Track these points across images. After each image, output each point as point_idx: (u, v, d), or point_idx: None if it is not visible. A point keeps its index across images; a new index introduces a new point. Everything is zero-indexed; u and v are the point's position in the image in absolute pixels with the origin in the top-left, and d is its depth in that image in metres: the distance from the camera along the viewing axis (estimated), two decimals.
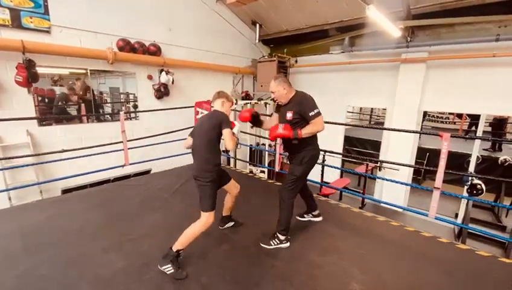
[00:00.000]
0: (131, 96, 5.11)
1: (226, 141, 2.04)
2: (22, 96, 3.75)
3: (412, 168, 5.73)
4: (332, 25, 5.86)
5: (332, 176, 6.12)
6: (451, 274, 2.07)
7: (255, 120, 2.63)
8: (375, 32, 4.99)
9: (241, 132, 5.75)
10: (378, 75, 5.77)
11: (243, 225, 2.69)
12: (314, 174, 4.52)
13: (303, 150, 2.36)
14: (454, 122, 11.20)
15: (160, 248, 2.10)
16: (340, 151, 6.58)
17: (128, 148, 3.98)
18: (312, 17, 5.94)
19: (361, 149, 8.87)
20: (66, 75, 4.23)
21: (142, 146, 4.38)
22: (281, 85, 2.32)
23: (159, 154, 4.57)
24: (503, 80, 4.36)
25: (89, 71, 4.38)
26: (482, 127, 5.08)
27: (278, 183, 3.87)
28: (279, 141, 3.47)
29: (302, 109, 2.26)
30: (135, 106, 5.15)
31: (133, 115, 5.18)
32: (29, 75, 3.55)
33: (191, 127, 3.19)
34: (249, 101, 6.57)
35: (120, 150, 3.91)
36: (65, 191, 4.04)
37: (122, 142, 3.89)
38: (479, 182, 4.17)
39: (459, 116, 10.81)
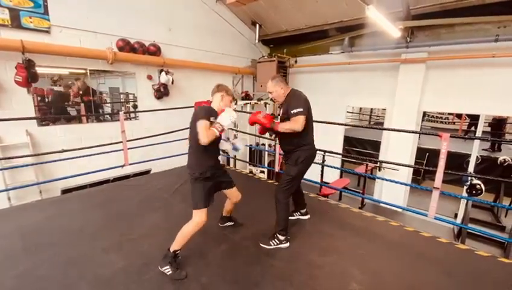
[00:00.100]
0: (131, 97, 5.11)
1: (199, 134, 1.88)
2: (22, 96, 3.75)
3: (412, 168, 5.74)
4: (332, 25, 5.87)
5: (332, 176, 6.13)
6: (450, 274, 2.07)
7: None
8: (374, 32, 4.99)
9: (241, 131, 5.77)
10: (377, 75, 5.78)
11: (242, 225, 2.69)
12: (313, 174, 4.54)
13: (298, 150, 2.36)
14: (454, 123, 11.22)
15: (160, 248, 2.10)
16: (340, 151, 6.58)
17: (128, 149, 3.97)
18: (312, 17, 5.94)
19: (361, 149, 8.88)
20: (66, 75, 4.22)
21: (142, 146, 4.38)
22: (278, 85, 2.33)
23: (159, 154, 4.57)
24: (502, 81, 4.37)
25: (88, 71, 4.37)
26: (481, 127, 5.09)
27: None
28: (279, 142, 3.47)
29: (288, 106, 2.27)
30: (135, 106, 5.15)
31: (132, 115, 5.18)
32: (28, 75, 3.54)
33: None
34: (248, 101, 6.57)
35: (120, 150, 3.91)
36: (65, 191, 4.03)
37: (121, 142, 3.89)
38: (479, 182, 4.18)
39: (459, 116, 10.82)
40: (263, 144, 6.97)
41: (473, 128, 9.82)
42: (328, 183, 5.36)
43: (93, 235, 2.51)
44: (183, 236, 1.98)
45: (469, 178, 4.27)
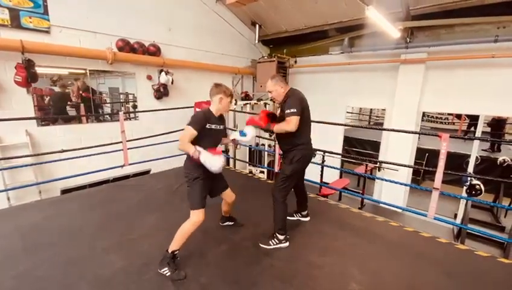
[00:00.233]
0: (130, 97, 5.11)
1: (179, 138, 1.93)
2: (21, 96, 3.75)
3: (411, 169, 5.74)
4: (331, 25, 5.87)
5: (331, 176, 6.13)
6: (450, 274, 2.07)
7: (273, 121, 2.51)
8: (374, 33, 5.00)
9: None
10: (377, 75, 5.78)
11: (243, 225, 2.69)
12: (313, 175, 4.55)
13: (294, 149, 2.36)
14: (454, 123, 11.23)
15: (160, 248, 2.10)
16: (340, 151, 6.59)
17: (128, 149, 3.97)
18: (311, 17, 5.95)
19: (361, 149, 8.89)
20: (66, 75, 4.22)
21: (142, 146, 4.38)
22: (278, 84, 2.33)
23: (159, 154, 4.57)
24: (502, 81, 4.38)
25: (88, 71, 4.37)
26: (481, 127, 5.10)
27: None
28: (277, 141, 3.48)
29: (285, 106, 2.28)
30: (134, 106, 5.15)
31: (132, 115, 5.18)
32: (28, 75, 3.54)
33: None
34: (248, 102, 6.57)
35: (119, 150, 3.91)
36: (64, 192, 4.03)
37: (121, 142, 3.89)
38: (478, 182, 4.18)
39: (458, 116, 10.83)
40: (263, 144, 6.97)
41: (472, 128, 9.84)
42: (327, 183, 5.36)
43: (93, 235, 2.51)
44: (181, 236, 1.97)
45: (469, 178, 4.28)
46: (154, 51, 5.00)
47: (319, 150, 4.14)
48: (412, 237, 2.64)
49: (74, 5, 4.04)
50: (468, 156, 5.27)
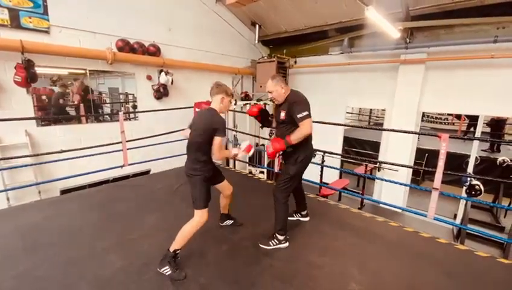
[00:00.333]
0: (130, 97, 5.11)
1: (215, 150, 2.00)
2: (21, 96, 3.74)
3: (411, 169, 5.75)
4: (331, 25, 5.88)
5: (331, 176, 6.13)
6: (450, 275, 2.07)
7: (264, 118, 2.60)
8: (374, 33, 5.00)
9: (241, 132, 5.76)
10: (377, 76, 5.79)
11: (242, 225, 2.69)
12: (313, 175, 4.55)
13: (297, 149, 2.36)
14: (453, 123, 11.24)
15: (160, 248, 2.10)
16: (340, 152, 6.60)
17: (128, 149, 3.97)
18: (311, 18, 5.95)
19: (361, 150, 8.89)
20: (65, 75, 4.22)
21: (142, 146, 4.38)
22: (279, 84, 2.32)
23: (159, 154, 4.57)
24: (501, 81, 4.38)
25: (88, 71, 4.37)
26: (480, 128, 5.11)
27: None
28: None
29: (292, 109, 2.25)
30: (134, 107, 5.15)
31: (132, 115, 5.18)
32: (28, 75, 3.54)
33: None
34: (248, 102, 6.57)
35: (119, 150, 3.91)
36: (64, 192, 4.02)
37: (121, 142, 3.89)
38: (478, 182, 4.18)
39: (458, 117, 10.84)
40: (262, 145, 6.96)
41: (472, 129, 9.85)
42: (327, 183, 5.37)
43: (92, 235, 2.51)
44: (183, 235, 1.98)
45: (468, 179, 4.28)
46: (154, 51, 5.00)
47: (319, 150, 4.14)
48: (411, 237, 2.64)
49: (74, 5, 4.04)
50: (468, 156, 5.27)
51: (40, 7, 3.73)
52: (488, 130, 8.43)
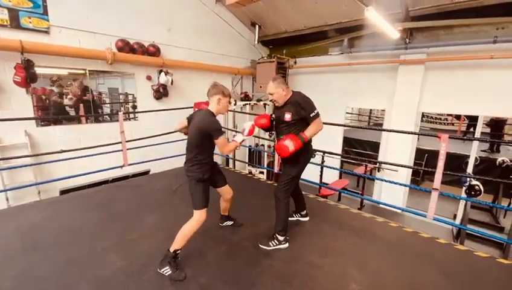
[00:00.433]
0: (130, 97, 5.11)
1: (220, 150, 2.05)
2: (21, 96, 3.74)
3: (411, 169, 5.75)
4: (331, 26, 5.88)
5: (331, 177, 6.13)
6: (449, 275, 2.07)
7: (271, 125, 2.56)
8: (374, 33, 5.01)
9: (240, 132, 5.76)
10: (377, 76, 5.79)
11: (242, 225, 2.69)
12: (313, 175, 4.55)
13: (298, 151, 2.36)
14: (453, 124, 11.25)
15: (159, 248, 2.10)
16: (339, 152, 6.60)
17: (127, 149, 3.97)
18: (311, 18, 5.95)
19: (360, 150, 8.89)
20: (65, 75, 4.22)
21: (141, 147, 4.37)
22: (280, 86, 2.31)
23: (158, 155, 4.56)
24: (501, 82, 4.39)
25: (87, 71, 4.37)
26: (480, 128, 5.11)
27: None
28: (277, 142, 3.47)
29: (301, 110, 2.26)
30: (134, 107, 5.14)
31: (132, 115, 5.17)
32: (27, 76, 3.53)
33: None
34: (248, 102, 6.58)
35: (119, 150, 3.90)
36: (63, 192, 4.02)
37: (121, 142, 3.88)
38: (477, 183, 4.18)
39: (457, 117, 10.86)
40: (262, 145, 6.97)
41: (471, 129, 9.87)
42: (327, 184, 5.37)
43: (92, 235, 2.51)
44: (183, 235, 1.98)
45: (468, 179, 4.28)
46: (154, 51, 5.00)
47: (319, 151, 4.14)
48: (411, 237, 2.64)
49: (74, 5, 4.04)
50: (468, 156, 5.27)
51: (40, 7, 3.73)
52: (487, 130, 8.44)
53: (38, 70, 3.69)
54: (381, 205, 4.81)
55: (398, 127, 4.83)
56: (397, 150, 5.48)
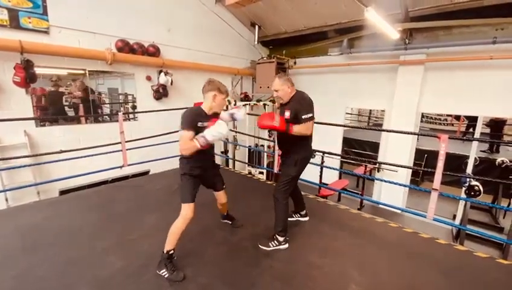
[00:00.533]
0: (130, 97, 5.11)
1: (180, 145, 1.89)
2: (20, 96, 3.74)
3: (411, 170, 5.75)
4: (331, 26, 5.89)
5: (331, 177, 6.13)
6: (449, 275, 2.07)
7: None
8: (373, 34, 5.01)
9: (240, 132, 5.77)
10: (376, 76, 5.80)
11: (242, 226, 2.68)
12: (312, 176, 4.55)
13: (298, 150, 2.37)
14: (452, 124, 11.26)
15: (159, 249, 2.09)
16: (339, 152, 6.60)
17: (127, 149, 3.97)
18: (311, 18, 5.96)
19: (360, 150, 8.90)
20: (65, 75, 4.21)
21: (141, 147, 4.37)
22: (286, 84, 2.33)
23: (158, 155, 4.56)
24: (500, 82, 4.39)
25: (87, 72, 4.37)
26: (479, 128, 5.12)
27: None
28: (277, 141, 3.48)
29: (298, 109, 2.27)
30: (134, 107, 5.14)
31: (131, 115, 5.17)
32: (27, 76, 3.54)
33: None
34: (247, 102, 6.58)
35: (118, 150, 3.90)
36: (63, 192, 4.02)
37: (120, 143, 3.88)
38: (477, 183, 4.19)
39: (457, 118, 10.87)
40: (262, 145, 6.97)
41: (471, 129, 9.87)
42: (327, 184, 5.37)
43: (92, 235, 2.51)
44: (173, 234, 1.97)
45: (467, 179, 4.28)
46: (154, 51, 5.00)
47: (318, 151, 4.14)
48: (411, 238, 2.64)
49: (73, 5, 4.04)
50: (467, 157, 5.28)
51: (40, 7, 3.73)
52: (487, 130, 8.45)
53: (37, 71, 3.69)
54: (380, 206, 4.81)
55: (397, 127, 4.84)
56: (397, 151, 5.49)
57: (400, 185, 3.78)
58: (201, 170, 2.11)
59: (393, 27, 4.33)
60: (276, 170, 4.29)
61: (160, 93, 5.24)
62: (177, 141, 4.55)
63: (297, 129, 2.23)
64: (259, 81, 6.70)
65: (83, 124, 4.47)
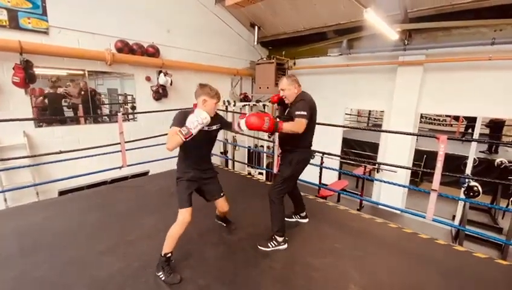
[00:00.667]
0: (129, 98, 5.10)
1: (166, 141, 1.90)
2: (19, 97, 3.73)
3: (410, 170, 5.76)
4: (330, 27, 5.90)
5: (330, 178, 6.13)
6: (448, 276, 2.07)
7: (284, 107, 2.51)
8: (372, 35, 5.02)
9: (240, 133, 5.76)
10: (376, 77, 5.81)
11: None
12: (312, 176, 4.55)
13: (294, 151, 2.36)
14: (451, 125, 11.28)
15: (158, 250, 2.09)
16: (338, 153, 6.60)
17: (126, 150, 3.96)
18: (310, 19, 5.97)
19: (359, 151, 8.90)
20: (64, 76, 4.21)
21: (140, 147, 4.37)
22: (293, 84, 2.36)
23: (157, 156, 4.55)
24: (499, 83, 4.41)
25: (87, 72, 4.36)
26: (478, 129, 5.13)
27: None
28: (277, 142, 3.48)
29: (294, 106, 2.28)
30: (133, 108, 5.14)
31: (131, 116, 5.17)
32: (26, 76, 3.53)
33: None
34: (247, 103, 6.58)
35: (118, 151, 3.89)
36: (62, 193, 4.01)
37: (119, 143, 3.88)
38: (476, 184, 4.19)
39: (456, 118, 10.89)
40: (261, 146, 6.97)
41: (470, 130, 9.89)
42: (326, 185, 5.37)
43: (90, 236, 2.50)
44: (171, 237, 1.97)
45: (466, 180, 4.29)
46: (153, 52, 5.00)
47: (318, 152, 4.14)
48: (410, 238, 2.64)
49: (73, 5, 4.04)
50: (466, 157, 5.29)
51: (39, 8, 3.73)
52: (486, 131, 8.46)
53: (37, 71, 3.69)
54: (380, 206, 4.82)
55: (397, 128, 4.84)
56: (396, 151, 5.49)
57: (399, 185, 3.79)
58: (194, 172, 2.11)
59: (393, 28, 4.34)
60: (275, 170, 4.29)
61: (160, 93, 5.24)
62: None
63: (287, 127, 2.12)
64: (259, 82, 6.70)
65: (82, 124, 4.47)
